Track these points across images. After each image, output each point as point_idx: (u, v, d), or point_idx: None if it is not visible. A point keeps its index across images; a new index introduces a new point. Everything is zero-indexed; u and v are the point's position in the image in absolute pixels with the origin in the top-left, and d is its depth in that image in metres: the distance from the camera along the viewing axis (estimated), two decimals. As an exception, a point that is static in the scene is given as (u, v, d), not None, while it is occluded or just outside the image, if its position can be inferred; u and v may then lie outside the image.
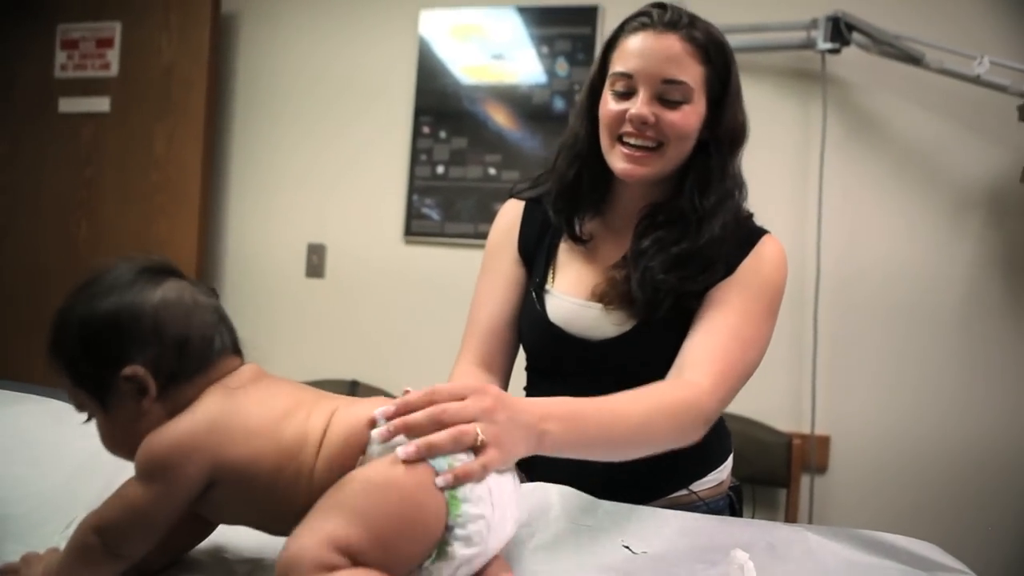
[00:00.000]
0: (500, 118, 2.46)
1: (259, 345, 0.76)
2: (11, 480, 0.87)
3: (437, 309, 2.43)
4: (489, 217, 1.18)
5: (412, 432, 0.65)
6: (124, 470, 0.68)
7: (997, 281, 2.11)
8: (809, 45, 2.11)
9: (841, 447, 2.19)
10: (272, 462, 0.66)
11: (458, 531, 0.63)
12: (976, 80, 1.93)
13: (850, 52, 2.09)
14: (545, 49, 2.43)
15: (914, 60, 2.00)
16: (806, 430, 2.15)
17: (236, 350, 0.73)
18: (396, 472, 0.63)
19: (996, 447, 2.07)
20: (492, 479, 0.67)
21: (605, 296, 1.05)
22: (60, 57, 2.75)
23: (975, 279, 2.12)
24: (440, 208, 2.50)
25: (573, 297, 1.08)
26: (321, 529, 0.60)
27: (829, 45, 2.06)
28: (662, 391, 0.92)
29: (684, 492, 1.08)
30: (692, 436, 0.90)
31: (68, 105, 2.74)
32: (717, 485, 1.12)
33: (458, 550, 0.63)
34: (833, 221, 2.18)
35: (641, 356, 1.03)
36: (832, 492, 2.19)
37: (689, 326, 1.01)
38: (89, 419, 0.71)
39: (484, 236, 1.20)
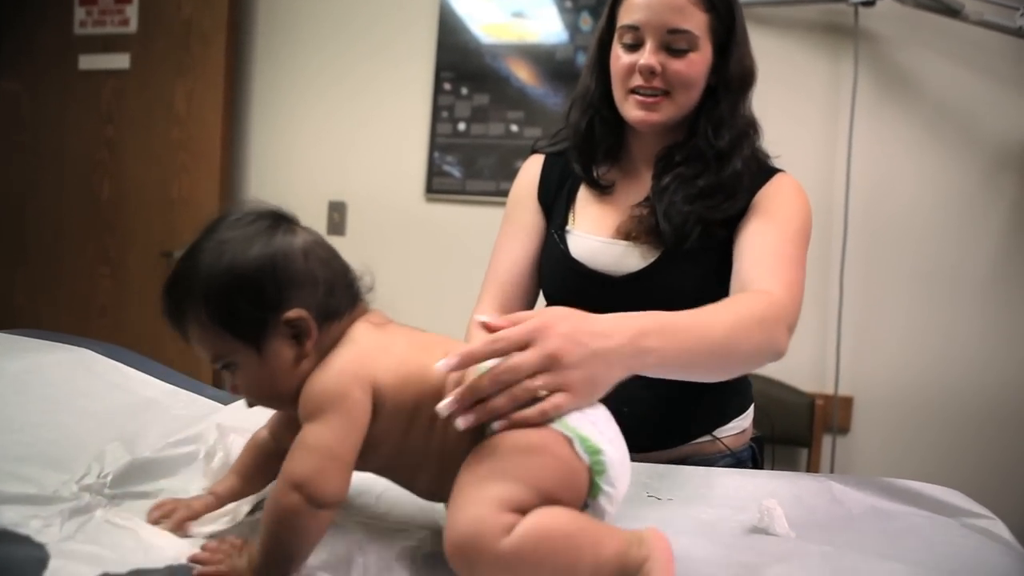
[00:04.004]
0: (523, 74, 2.42)
1: None
2: (52, 425, 0.88)
3: (458, 266, 2.42)
4: (511, 175, 1.19)
5: (477, 398, 0.65)
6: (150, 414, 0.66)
7: (1030, 242, 2.06)
8: (842, -3, 2.05)
9: (864, 408, 2.18)
10: (413, 396, 0.67)
11: (605, 487, 0.65)
12: (1018, 33, 1.87)
13: (884, 4, 2.02)
14: (568, 3, 2.38)
15: (952, 12, 1.93)
16: (829, 391, 2.14)
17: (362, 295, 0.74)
18: (540, 439, 0.64)
19: (1022, 410, 2.04)
20: (602, 422, 0.68)
21: (631, 232, 1.06)
22: (79, 13, 2.73)
23: (1007, 241, 2.07)
24: (461, 165, 2.48)
25: (595, 235, 1.10)
26: (489, 497, 0.61)
27: (863, -3, 2.00)
28: (741, 300, 0.89)
29: (708, 439, 1.09)
30: (781, 344, 0.85)
31: (88, 62, 2.73)
32: (740, 433, 1.13)
33: (603, 503, 0.66)
34: (862, 179, 2.14)
35: (664, 289, 1.03)
36: (854, 453, 2.18)
37: (711, 259, 1.03)
38: (225, 367, 0.69)
39: (506, 194, 1.23)
